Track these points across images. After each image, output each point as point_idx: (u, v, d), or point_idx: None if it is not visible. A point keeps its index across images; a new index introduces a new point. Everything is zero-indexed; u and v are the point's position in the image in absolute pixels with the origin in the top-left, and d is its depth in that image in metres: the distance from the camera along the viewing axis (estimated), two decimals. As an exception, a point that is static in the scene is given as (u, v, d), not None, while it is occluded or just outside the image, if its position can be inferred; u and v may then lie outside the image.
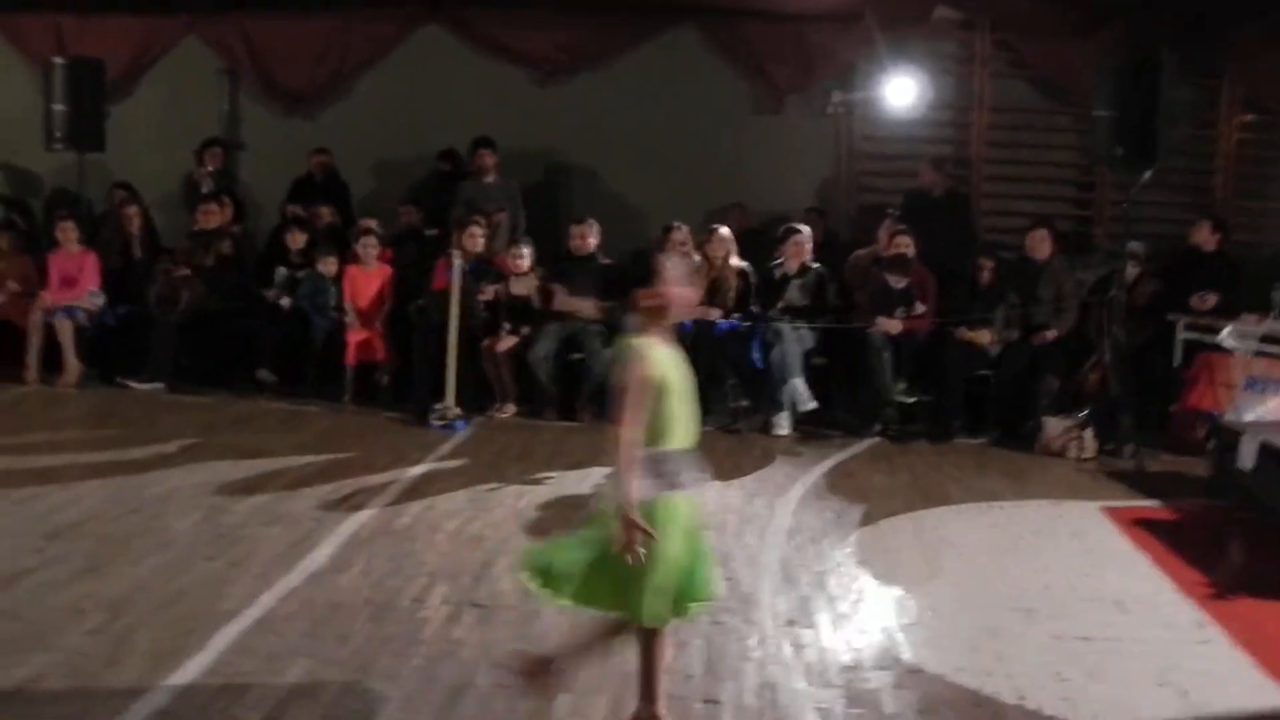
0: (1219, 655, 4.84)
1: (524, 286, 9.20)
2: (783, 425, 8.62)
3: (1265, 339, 8.67)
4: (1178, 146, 11.00)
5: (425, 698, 4.08)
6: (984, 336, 8.80)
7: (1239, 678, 4.63)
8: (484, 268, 9.23)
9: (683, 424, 3.79)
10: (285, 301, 9.67)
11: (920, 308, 8.85)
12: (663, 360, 3.75)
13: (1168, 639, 4.99)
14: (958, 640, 4.86)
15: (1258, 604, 5.51)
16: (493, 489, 6.89)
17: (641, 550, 3.59)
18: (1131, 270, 9.13)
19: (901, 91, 10.61)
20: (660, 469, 3.70)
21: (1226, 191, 11.42)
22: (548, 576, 3.80)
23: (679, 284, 3.85)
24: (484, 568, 5.48)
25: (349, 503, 6.47)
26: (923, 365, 8.92)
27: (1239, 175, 11.48)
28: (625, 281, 9.16)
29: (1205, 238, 9.77)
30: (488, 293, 9.12)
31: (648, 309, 3.82)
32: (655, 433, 3.71)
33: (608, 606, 3.84)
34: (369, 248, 9.60)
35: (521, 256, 9.26)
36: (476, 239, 9.22)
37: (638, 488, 3.62)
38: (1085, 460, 8.15)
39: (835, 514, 6.67)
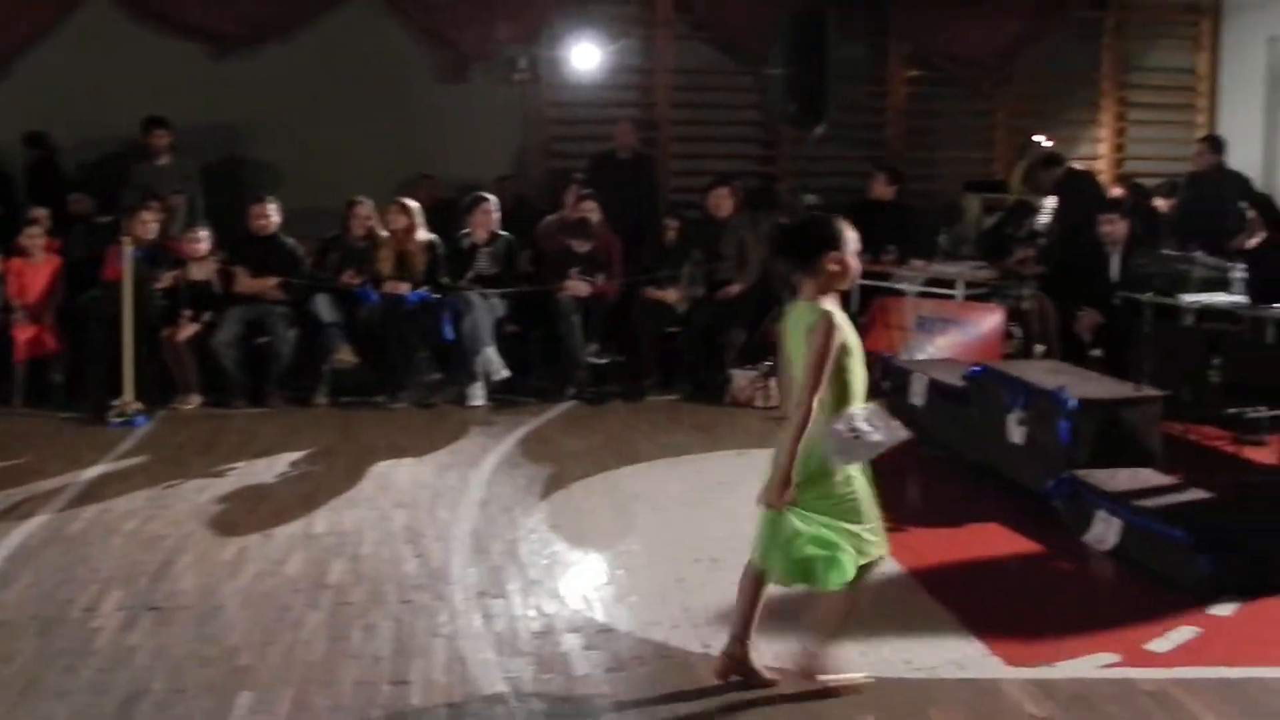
0: (892, 585, 5.05)
1: (203, 271, 8.82)
2: (476, 395, 8.57)
3: (932, 281, 9.21)
4: (851, 102, 11.51)
5: (96, 711, 3.87)
6: (671, 295, 8.97)
7: (910, 604, 4.89)
8: (160, 254, 8.80)
9: (863, 385, 3.87)
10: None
11: (599, 278, 8.93)
12: (846, 324, 3.79)
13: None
14: (647, 596, 4.95)
15: (925, 533, 5.83)
16: (174, 485, 6.58)
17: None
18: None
19: (586, 56, 10.68)
20: (852, 430, 3.78)
21: (898, 144, 11.99)
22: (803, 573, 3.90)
23: (855, 250, 3.89)
24: (163, 568, 5.24)
25: (17, 512, 6.05)
26: (613, 326, 9.03)
27: (909, 128, 12.06)
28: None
29: (882, 189, 10.26)
30: (165, 280, 8.69)
31: (831, 274, 3.83)
32: (844, 396, 3.81)
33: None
34: (34, 238, 8.99)
35: (199, 240, 8.87)
36: (149, 225, 8.78)
37: (796, 449, 3.73)
38: (771, 409, 8.41)
39: (528, 481, 6.68)
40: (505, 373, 8.57)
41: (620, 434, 7.80)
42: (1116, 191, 10.97)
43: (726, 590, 4.97)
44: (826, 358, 3.73)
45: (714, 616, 4.70)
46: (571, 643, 4.47)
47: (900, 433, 3.92)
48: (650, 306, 8.99)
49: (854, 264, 3.93)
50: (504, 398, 8.63)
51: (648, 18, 11.39)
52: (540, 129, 11.27)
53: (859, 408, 3.86)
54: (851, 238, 3.93)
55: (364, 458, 7.15)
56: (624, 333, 9.07)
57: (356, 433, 7.81)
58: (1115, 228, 8.88)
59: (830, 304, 3.84)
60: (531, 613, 4.77)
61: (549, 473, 6.81)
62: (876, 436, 3.83)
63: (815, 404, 3.75)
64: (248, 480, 6.73)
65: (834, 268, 3.85)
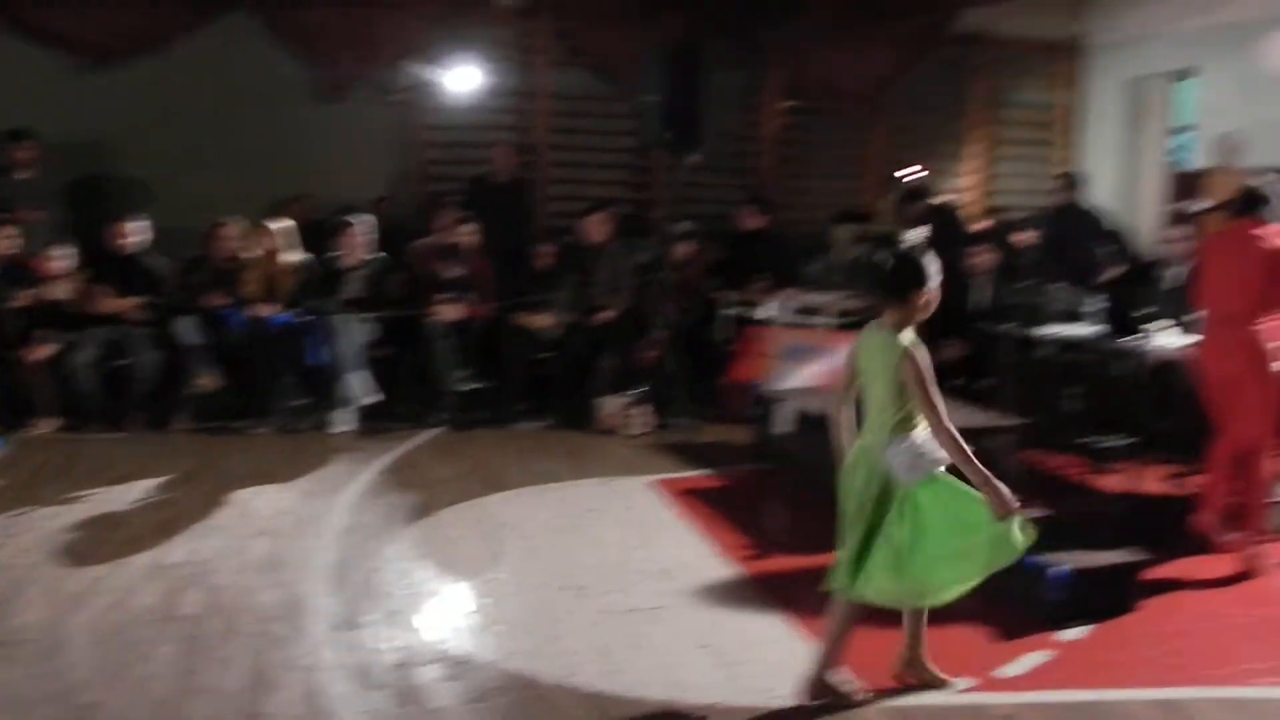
0: (755, 614, 5.14)
1: (62, 290, 8.55)
2: (344, 421, 8.43)
3: (801, 311, 9.33)
4: (726, 131, 11.65)
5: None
6: (543, 320, 8.95)
7: (773, 634, 4.92)
8: (16, 271, 8.52)
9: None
10: None
11: (468, 300, 8.88)
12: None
13: (709, 604, 5.25)
14: (511, 625, 4.92)
15: (790, 560, 5.89)
16: (24, 513, 6.34)
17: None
18: (683, 250, 9.55)
19: (465, 79, 10.64)
20: (919, 449, 4.06)
21: (771, 173, 12.14)
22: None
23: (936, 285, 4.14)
24: (6, 601, 5.04)
25: None
26: (484, 352, 8.96)
27: (783, 158, 12.23)
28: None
29: (751, 221, 10.39)
30: (21, 298, 8.42)
31: (918, 308, 4.12)
32: (914, 418, 4.07)
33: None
34: (-119, 257, 8.65)
35: (59, 258, 8.60)
36: (6, 242, 8.50)
37: (967, 460, 3.98)
38: (641, 435, 8.44)
39: (394, 508, 6.59)
40: (375, 397, 8.45)
41: (489, 461, 7.73)
42: (982, 224, 11.25)
43: (592, 618, 5.00)
44: (928, 379, 4.01)
45: (578, 645, 4.69)
46: (431, 674, 4.42)
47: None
48: (521, 332, 8.95)
49: (935, 298, 4.19)
50: (372, 423, 8.47)
51: (527, 43, 11.38)
52: (418, 151, 11.19)
53: (922, 429, 4.09)
54: (935, 274, 4.17)
55: (225, 484, 6.98)
56: (494, 358, 8.99)
57: (218, 459, 7.63)
58: (981, 260, 9.10)
59: (910, 334, 4.13)
60: (392, 644, 4.70)
61: (415, 500, 6.73)
62: (940, 454, 4.06)
63: (940, 420, 3.99)
64: (102, 508, 6.52)
65: (922, 303, 4.13)
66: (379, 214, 9.56)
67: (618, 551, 5.94)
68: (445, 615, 5.07)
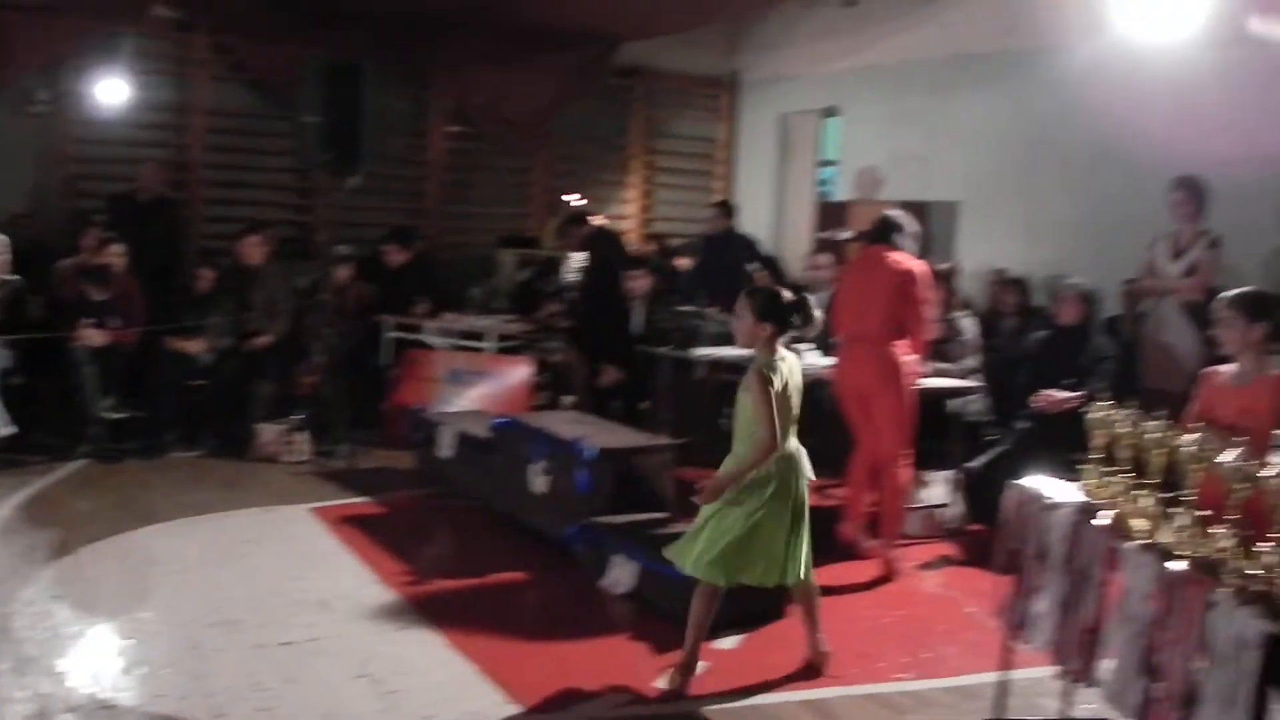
0: (414, 639, 5.11)
1: None
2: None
3: (464, 334, 9.36)
4: (391, 153, 11.56)
5: None
6: (195, 345, 8.59)
7: (432, 657, 4.91)
8: None
9: None
10: None
11: (115, 322, 8.44)
12: None
13: (368, 632, 5.18)
14: (157, 666, 4.70)
15: (449, 584, 5.90)
16: None
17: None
18: (342, 273, 9.41)
19: (114, 91, 10.12)
20: None
21: (436, 197, 12.13)
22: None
23: None
24: None
25: None
26: (132, 378, 8.54)
27: (448, 182, 12.23)
28: None
29: (396, 257, 10.25)
30: None
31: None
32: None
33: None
34: None
35: None
36: None
37: None
38: (300, 463, 8.24)
39: (29, 547, 6.13)
40: (10, 429, 7.87)
41: (137, 493, 7.35)
42: (643, 249, 11.61)
43: (245, 653, 4.84)
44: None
45: (230, 683, 4.54)
46: (69, 723, 4.17)
47: None
48: (172, 357, 8.55)
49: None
50: (7, 456, 7.85)
51: (183, 55, 10.93)
52: (61, 166, 10.52)
53: None
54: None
55: None
56: (144, 385, 8.57)
57: None
58: (638, 284, 9.37)
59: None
60: (25, 693, 4.39)
61: (54, 537, 6.29)
62: None
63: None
64: None
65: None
66: (17, 232, 8.95)
67: (274, 583, 5.78)
68: (86, 659, 4.79)
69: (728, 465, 4.75)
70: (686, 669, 4.74)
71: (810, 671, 4.91)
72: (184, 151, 11.00)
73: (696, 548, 4.73)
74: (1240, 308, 4.54)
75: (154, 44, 10.74)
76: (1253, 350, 4.52)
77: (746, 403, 4.67)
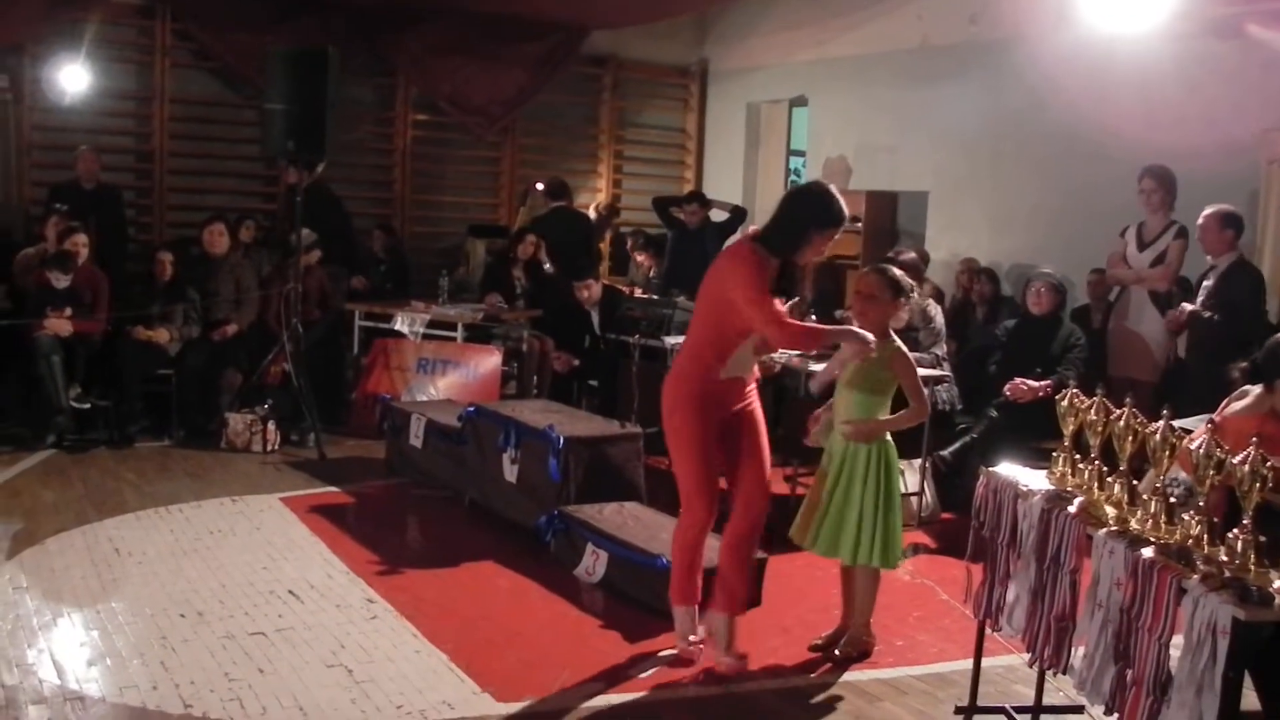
0: (384, 628, 5.09)
1: None
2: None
3: (434, 323, 9.32)
4: (358, 142, 11.50)
5: None
6: (162, 335, 8.50)
7: (403, 647, 4.89)
8: None
9: None
10: None
11: (80, 312, 8.34)
12: None
13: (338, 621, 5.16)
14: (125, 657, 4.66)
15: (420, 574, 5.88)
16: None
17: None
18: (310, 261, 9.33)
19: (76, 78, 10.01)
20: None
21: (405, 186, 12.07)
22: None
23: None
24: None
25: None
26: (99, 368, 8.45)
27: (416, 171, 12.17)
28: None
29: (380, 241, 10.24)
30: None
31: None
32: None
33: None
34: None
35: None
36: None
37: None
38: (269, 453, 8.19)
39: (-5, 538, 6.11)
40: (-31, 421, 7.81)
41: (104, 484, 7.28)
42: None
43: (210, 644, 4.81)
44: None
45: (196, 673, 4.51)
46: (36, 716, 4.12)
47: None
48: (139, 347, 8.47)
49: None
50: (-33, 448, 7.82)
51: (147, 43, 10.84)
52: (23, 154, 10.41)
53: None
54: None
55: None
56: (110, 375, 8.49)
57: None
58: (591, 292, 9.24)
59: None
60: (-11, 686, 4.36)
61: (19, 529, 6.23)
62: None
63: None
64: None
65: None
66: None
67: (243, 573, 5.74)
68: (53, 650, 4.73)
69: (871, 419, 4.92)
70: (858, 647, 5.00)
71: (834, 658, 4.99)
72: (148, 139, 10.91)
73: (846, 537, 4.87)
74: None
75: (116, 30, 10.66)
76: None
77: (881, 377, 4.91)
